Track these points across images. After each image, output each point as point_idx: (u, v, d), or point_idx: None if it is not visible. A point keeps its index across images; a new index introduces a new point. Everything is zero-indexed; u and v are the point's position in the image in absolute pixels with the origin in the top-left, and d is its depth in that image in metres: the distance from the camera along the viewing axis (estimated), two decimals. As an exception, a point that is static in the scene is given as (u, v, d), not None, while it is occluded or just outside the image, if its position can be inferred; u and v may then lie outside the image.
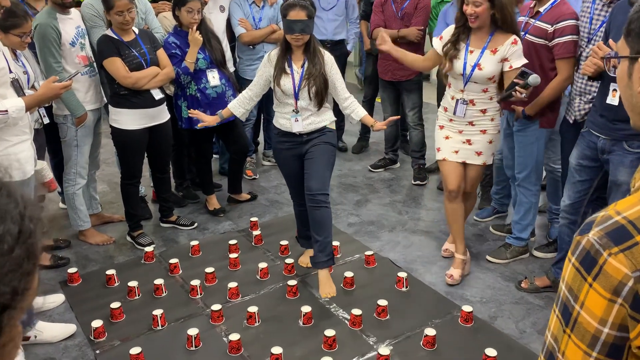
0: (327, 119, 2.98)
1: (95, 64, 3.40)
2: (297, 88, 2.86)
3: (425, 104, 4.72)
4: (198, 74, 3.68)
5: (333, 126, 3.02)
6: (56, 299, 3.00)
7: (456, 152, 3.07)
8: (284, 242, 3.50)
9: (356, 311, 2.80)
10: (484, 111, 2.96)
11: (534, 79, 2.68)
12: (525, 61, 2.85)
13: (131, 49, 3.26)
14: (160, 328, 2.77)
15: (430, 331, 2.65)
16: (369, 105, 5.07)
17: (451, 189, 3.12)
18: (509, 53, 2.82)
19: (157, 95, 3.38)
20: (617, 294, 0.75)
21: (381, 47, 3.09)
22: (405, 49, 4.28)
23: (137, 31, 3.35)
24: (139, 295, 3.04)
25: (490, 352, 2.50)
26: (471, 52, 2.87)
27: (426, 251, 3.56)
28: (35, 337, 2.65)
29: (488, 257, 3.42)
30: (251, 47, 4.35)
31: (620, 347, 0.77)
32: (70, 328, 2.76)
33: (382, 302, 2.87)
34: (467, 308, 2.83)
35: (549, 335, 0.86)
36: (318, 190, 2.91)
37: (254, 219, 3.84)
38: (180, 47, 3.62)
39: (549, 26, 2.93)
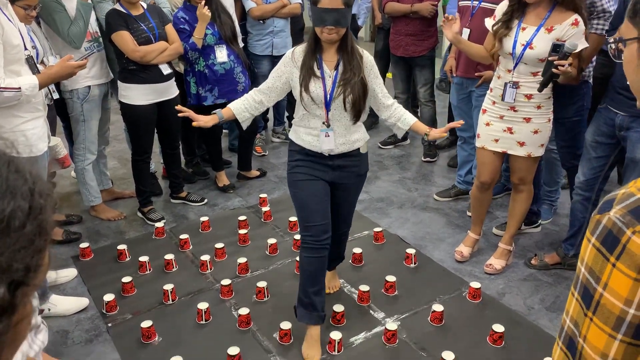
0: (362, 138, 2.39)
1: (100, 38, 3.38)
2: (329, 96, 2.25)
3: (436, 80, 4.66)
4: (206, 50, 3.65)
5: (366, 148, 2.45)
6: (69, 273, 3.04)
7: (496, 140, 2.82)
8: (292, 219, 3.50)
9: (364, 287, 2.81)
10: (529, 97, 2.68)
11: (570, 44, 2.44)
12: (585, 45, 2.58)
13: (139, 23, 3.24)
14: (171, 302, 2.81)
15: (438, 307, 2.66)
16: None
17: (483, 181, 2.97)
18: (567, 35, 2.53)
19: (166, 70, 3.37)
20: None
21: (446, 30, 2.78)
22: (418, 24, 4.27)
23: (145, 6, 3.33)
24: (149, 270, 3.08)
25: (498, 327, 2.51)
26: (523, 29, 2.60)
27: (435, 228, 3.56)
28: (49, 310, 2.70)
29: (495, 231, 3.42)
30: (261, 21, 4.30)
31: None
32: (83, 302, 2.81)
33: (391, 278, 2.88)
34: (475, 284, 2.83)
35: (568, 320, 0.83)
36: (347, 227, 2.63)
37: (263, 195, 3.85)
38: (189, 22, 3.58)
39: None
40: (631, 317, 0.74)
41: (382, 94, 2.38)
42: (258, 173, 4.28)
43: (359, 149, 2.38)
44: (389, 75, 5.01)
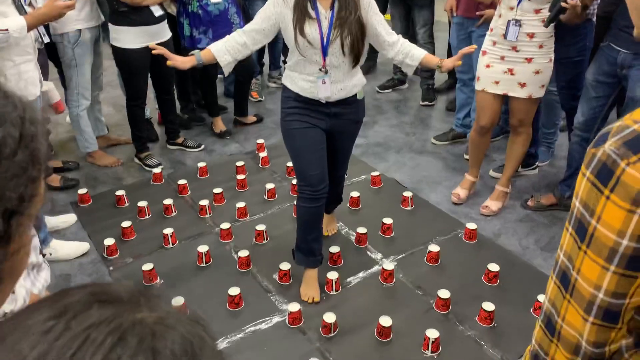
0: (359, 83, 2.30)
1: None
2: (326, 40, 2.12)
3: (436, 22, 4.55)
4: None
5: (363, 93, 2.36)
6: (68, 218, 3.07)
7: (497, 82, 2.78)
8: (290, 164, 3.50)
9: (362, 229, 2.85)
10: (531, 36, 2.63)
11: None
12: None
13: (128, -38, 3.12)
14: (172, 246, 2.85)
15: (434, 247, 2.70)
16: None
17: (483, 124, 2.94)
18: None
19: (157, 12, 3.27)
20: (636, 204, 0.72)
21: None
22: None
23: (133, -57, 3.19)
24: (149, 215, 3.10)
25: (493, 267, 2.56)
26: None
27: (432, 172, 3.56)
28: (50, 254, 2.73)
29: (492, 173, 3.44)
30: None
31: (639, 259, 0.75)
32: (84, 246, 2.84)
33: (388, 220, 2.91)
34: (471, 225, 2.86)
35: (562, 255, 0.84)
36: (344, 171, 2.63)
37: (260, 141, 3.84)
38: None
39: None
40: (624, 248, 0.74)
41: (385, 31, 2.24)
42: (255, 119, 4.24)
43: (356, 94, 2.30)
44: (387, 16, 4.88)
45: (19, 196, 0.46)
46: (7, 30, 2.37)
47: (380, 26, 2.21)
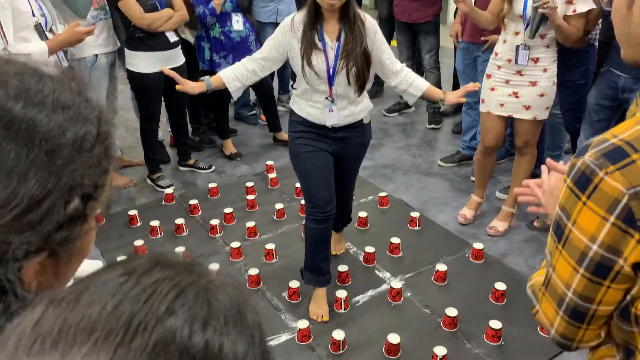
0: (365, 108, 2.35)
1: (107, 6, 3.40)
2: (332, 70, 2.17)
3: (441, 48, 4.66)
4: (223, 16, 3.68)
5: (369, 117, 2.41)
6: (82, 237, 3.13)
7: (502, 105, 2.85)
8: (299, 185, 3.56)
9: (370, 248, 2.89)
10: (535, 60, 2.71)
11: None
12: (592, 6, 2.60)
13: (145, -10, 3.25)
14: (182, 264, 2.90)
15: (441, 267, 2.74)
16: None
17: (487, 145, 3.01)
18: None
19: (172, 37, 3.39)
20: (610, 212, 0.78)
21: (460, 5, 2.73)
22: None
23: (150, -27, 3.33)
24: (160, 234, 3.17)
25: (500, 286, 2.59)
26: None
27: (440, 193, 3.62)
28: (65, 271, 2.79)
29: (498, 194, 3.48)
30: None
31: (606, 267, 0.80)
32: (97, 264, 2.89)
33: (395, 240, 2.95)
34: (478, 245, 2.90)
35: (546, 251, 0.92)
36: (351, 191, 2.70)
37: (269, 162, 3.91)
38: None
39: None
40: (593, 253, 0.80)
41: (390, 60, 2.27)
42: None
43: (362, 119, 2.35)
44: (393, 42, 5.00)
45: (94, 184, 0.54)
46: (29, 54, 2.48)
47: (384, 55, 2.25)
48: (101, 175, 0.55)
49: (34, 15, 2.62)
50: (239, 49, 3.68)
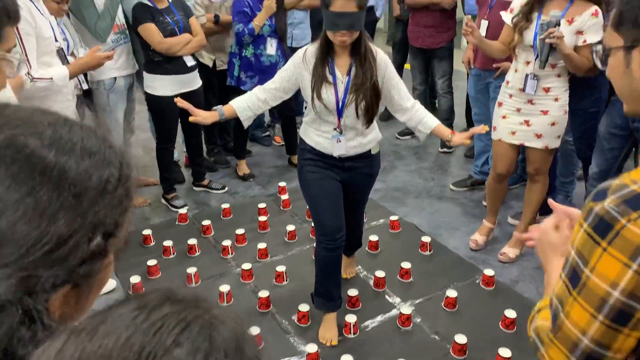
0: (374, 139, 2.37)
1: (127, 31, 3.50)
2: (341, 103, 2.21)
3: (455, 71, 4.70)
4: (259, 38, 3.77)
5: (378, 148, 2.43)
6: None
7: (513, 133, 2.86)
8: (311, 207, 3.60)
9: (380, 273, 2.90)
10: (547, 90, 2.72)
11: (551, 14, 2.51)
12: (601, 37, 2.62)
13: (165, 16, 3.35)
14: (195, 285, 2.93)
15: (451, 293, 2.73)
16: (397, 72, 5.09)
17: (499, 172, 3.02)
18: (587, 25, 2.55)
19: (190, 62, 3.47)
20: (633, 259, 0.77)
21: (469, 38, 2.76)
22: (437, 15, 4.30)
23: (170, -1, 3.43)
24: (173, 254, 3.21)
25: (510, 313, 2.58)
26: (545, 20, 2.59)
27: (451, 217, 3.62)
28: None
29: (510, 220, 3.48)
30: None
31: (627, 314, 0.79)
32: (111, 284, 2.94)
33: (406, 265, 2.96)
34: (489, 272, 2.90)
35: (554, 297, 0.89)
36: (361, 217, 2.72)
37: (282, 184, 3.95)
38: (252, 7, 3.72)
39: None
40: (614, 300, 0.79)
41: (400, 96, 2.28)
42: None
43: (370, 150, 2.37)
44: (407, 66, 5.06)
45: (115, 222, 0.58)
46: (51, 78, 2.56)
47: (394, 90, 2.27)
48: (121, 214, 0.59)
49: (56, 40, 2.70)
50: (266, 73, 3.75)
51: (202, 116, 2.26)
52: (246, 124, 2.38)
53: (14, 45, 1.02)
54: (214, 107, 2.32)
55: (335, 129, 2.27)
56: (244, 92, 3.31)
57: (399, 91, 2.28)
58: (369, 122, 2.25)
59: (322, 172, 2.34)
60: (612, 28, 0.95)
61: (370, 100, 2.18)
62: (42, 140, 0.55)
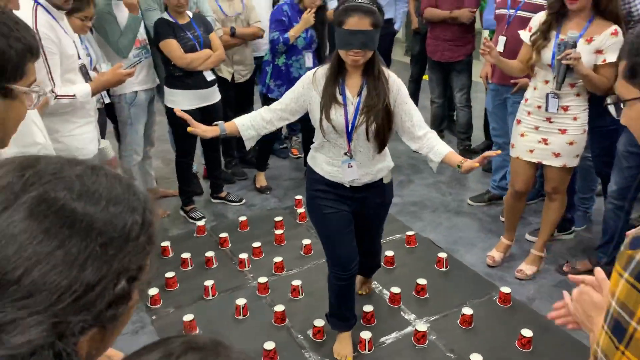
0: (385, 167, 2.29)
1: (148, 46, 3.57)
2: (351, 125, 2.12)
3: (474, 83, 4.69)
4: (292, 49, 3.82)
5: (390, 177, 2.36)
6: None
7: (531, 151, 2.85)
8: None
9: (395, 289, 2.90)
10: (565, 109, 2.70)
11: (568, 35, 2.49)
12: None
13: (186, 31, 3.41)
14: (211, 297, 2.96)
15: (467, 310, 2.72)
16: (415, 85, 5.11)
17: (517, 189, 3.01)
18: (607, 45, 2.53)
19: (209, 76, 3.53)
20: None
21: (487, 57, 2.76)
22: (456, 29, 4.31)
23: (191, 15, 3.49)
24: (191, 266, 3.25)
25: (526, 332, 2.56)
26: (562, 40, 2.56)
27: (468, 232, 3.60)
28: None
29: (527, 237, 3.45)
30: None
31: None
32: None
33: (422, 281, 2.95)
34: (505, 289, 2.88)
35: (599, 351, 0.85)
36: (377, 246, 2.65)
37: (298, 197, 3.98)
38: (290, 18, 3.78)
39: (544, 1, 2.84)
40: None
41: (412, 123, 2.16)
42: None
43: (382, 179, 2.30)
44: (425, 77, 5.07)
45: (139, 267, 0.62)
46: (74, 95, 2.63)
47: (406, 116, 2.16)
48: (144, 259, 0.63)
49: (79, 57, 2.77)
50: (293, 84, 3.80)
51: (202, 129, 2.17)
52: (248, 144, 2.28)
53: (34, 80, 1.06)
54: (215, 122, 2.23)
55: (345, 154, 2.18)
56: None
57: (411, 117, 2.17)
58: (380, 146, 2.17)
59: (333, 205, 2.27)
60: (625, 80, 0.95)
61: (381, 122, 2.09)
62: (71, 193, 0.58)
